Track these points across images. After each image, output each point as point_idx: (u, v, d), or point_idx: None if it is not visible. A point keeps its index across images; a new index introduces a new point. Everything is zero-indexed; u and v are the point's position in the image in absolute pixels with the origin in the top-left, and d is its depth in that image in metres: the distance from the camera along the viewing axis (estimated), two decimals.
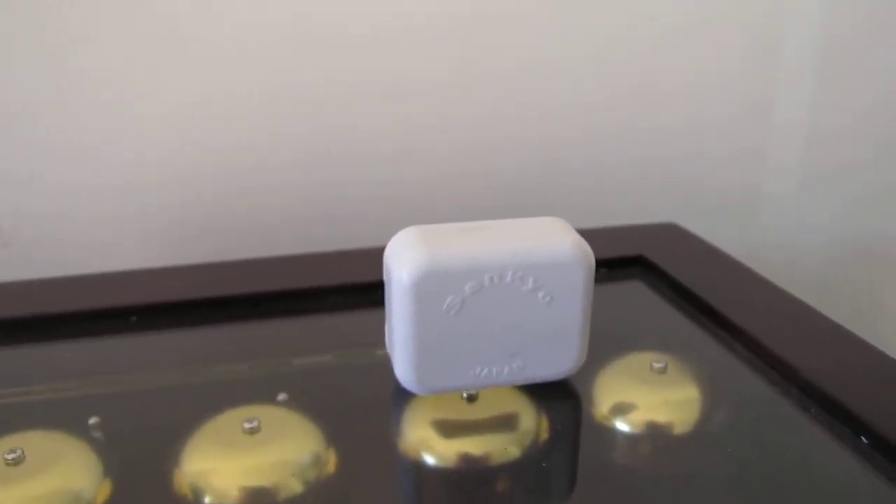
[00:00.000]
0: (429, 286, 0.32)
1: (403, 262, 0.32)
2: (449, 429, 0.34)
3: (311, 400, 0.36)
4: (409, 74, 0.57)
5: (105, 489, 0.31)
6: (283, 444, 0.33)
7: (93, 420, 0.35)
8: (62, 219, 0.55)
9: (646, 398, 0.36)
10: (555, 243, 0.33)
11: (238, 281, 0.46)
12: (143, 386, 0.38)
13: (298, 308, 0.45)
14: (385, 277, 0.34)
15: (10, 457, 0.32)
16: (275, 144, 0.57)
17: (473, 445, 0.33)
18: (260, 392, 0.36)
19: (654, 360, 0.38)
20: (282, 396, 0.36)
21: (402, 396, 0.35)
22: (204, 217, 0.57)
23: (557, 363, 0.35)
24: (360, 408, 0.36)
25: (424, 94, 0.58)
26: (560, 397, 0.36)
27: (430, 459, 0.33)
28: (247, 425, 0.33)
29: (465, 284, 0.32)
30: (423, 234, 0.33)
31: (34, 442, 0.33)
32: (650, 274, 0.49)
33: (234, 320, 0.44)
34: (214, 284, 0.46)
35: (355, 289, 0.45)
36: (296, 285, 0.46)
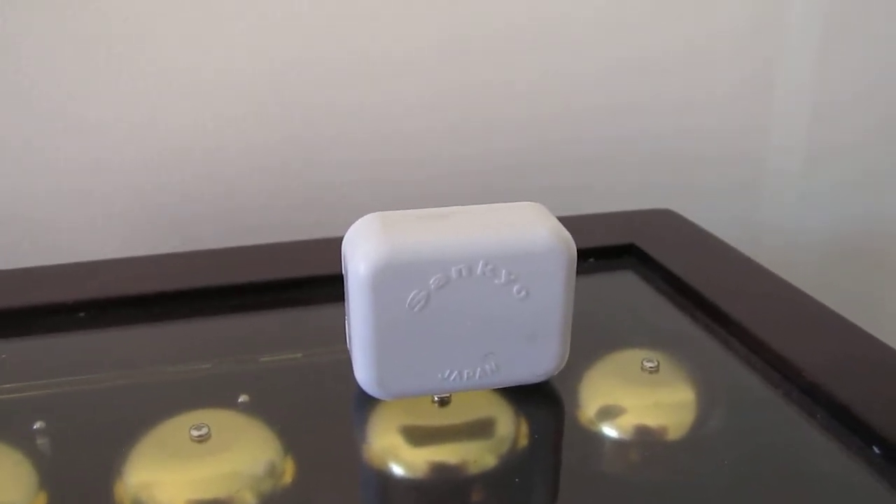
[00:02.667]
0: (389, 280, 0.29)
1: (360, 252, 0.30)
2: (418, 435, 0.32)
3: (274, 402, 0.34)
4: (384, 52, 0.55)
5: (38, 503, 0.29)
6: (235, 454, 0.31)
7: (38, 425, 0.33)
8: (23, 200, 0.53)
9: (635, 401, 0.35)
10: (530, 231, 0.31)
11: (202, 272, 0.44)
12: (95, 387, 0.36)
13: (269, 301, 0.43)
14: (343, 270, 0.32)
15: None
16: (244, 127, 0.55)
17: (445, 454, 0.31)
18: (220, 394, 0.35)
19: (644, 358, 0.36)
20: (242, 398, 0.34)
21: (368, 399, 0.33)
22: (168, 204, 0.55)
23: (536, 365, 0.33)
24: (324, 411, 0.34)
25: (400, 72, 0.56)
26: (541, 400, 0.34)
27: (397, 469, 0.31)
28: (195, 433, 0.31)
29: (430, 278, 0.30)
30: (383, 221, 0.31)
31: None
32: (642, 264, 0.47)
33: (196, 315, 0.42)
34: (175, 276, 0.44)
35: (331, 280, 0.42)
36: (267, 276, 0.44)
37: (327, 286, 0.42)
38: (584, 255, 0.46)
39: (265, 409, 0.33)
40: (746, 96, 0.63)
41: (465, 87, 0.57)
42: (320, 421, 0.34)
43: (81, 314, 0.41)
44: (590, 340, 0.38)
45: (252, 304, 0.43)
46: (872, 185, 0.68)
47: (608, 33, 0.59)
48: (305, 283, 0.44)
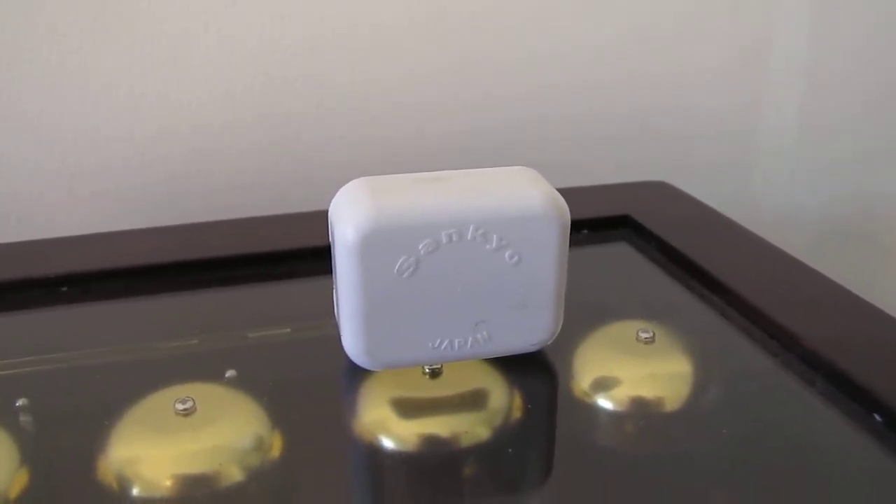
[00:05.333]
0: (376, 245, 0.28)
1: (347, 217, 0.29)
2: (409, 408, 0.32)
3: (263, 376, 0.34)
4: (370, 27, 0.54)
5: (20, 480, 0.29)
6: (220, 427, 0.30)
7: (20, 402, 0.32)
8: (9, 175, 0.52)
9: (631, 372, 0.34)
10: (523, 195, 0.30)
11: (187, 246, 0.43)
12: (79, 364, 0.35)
13: (256, 275, 0.42)
14: (330, 236, 0.31)
15: None
16: (230, 104, 0.54)
17: (436, 426, 0.31)
18: (207, 369, 0.34)
19: (640, 329, 0.36)
20: (230, 373, 0.34)
21: (357, 372, 0.33)
22: (154, 182, 0.54)
23: (528, 333, 0.32)
24: (313, 385, 0.34)
25: (388, 47, 0.55)
26: (535, 371, 0.34)
27: (387, 442, 0.30)
28: (179, 406, 0.30)
29: (419, 243, 0.29)
30: (370, 186, 0.30)
31: None
32: (637, 235, 0.47)
33: (181, 289, 0.41)
34: (159, 250, 0.43)
35: (321, 253, 0.42)
36: (254, 250, 0.43)
37: (317, 259, 0.42)
38: (577, 226, 0.45)
39: (253, 384, 0.33)
40: (739, 72, 0.62)
41: (453, 63, 0.56)
42: (309, 394, 0.33)
43: (64, 289, 0.41)
44: (584, 311, 0.37)
45: (239, 279, 0.42)
46: (866, 163, 0.67)
47: (598, 8, 0.58)
48: (294, 256, 0.43)
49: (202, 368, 0.34)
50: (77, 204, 0.53)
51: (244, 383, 0.33)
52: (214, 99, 0.53)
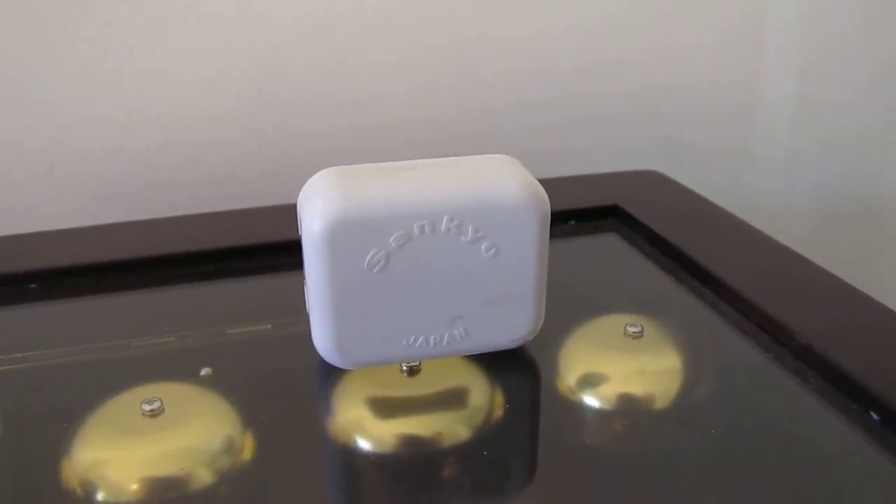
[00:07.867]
0: (345, 238, 0.28)
1: (314, 209, 0.28)
2: (386, 407, 0.31)
3: (239, 375, 0.33)
4: (354, 11, 0.53)
5: None
6: (188, 429, 0.30)
7: None
8: None
9: (618, 368, 0.33)
10: (499, 184, 0.29)
11: (163, 240, 0.43)
12: (48, 363, 0.35)
13: (237, 269, 0.42)
14: (298, 229, 0.30)
15: None
16: (210, 93, 0.53)
17: (415, 426, 0.30)
18: (183, 368, 0.33)
19: (628, 323, 0.35)
20: (205, 371, 0.33)
21: (334, 369, 0.32)
22: (134, 174, 0.54)
23: (508, 329, 0.31)
24: (290, 384, 0.33)
25: (372, 32, 0.54)
26: (517, 368, 0.33)
27: (364, 442, 0.29)
28: (146, 407, 0.30)
29: (390, 235, 0.28)
30: (339, 175, 0.29)
31: None
32: (626, 225, 0.46)
33: (159, 285, 0.41)
34: (133, 245, 0.42)
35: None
36: (233, 243, 0.42)
37: (299, 252, 0.41)
38: (565, 217, 0.45)
39: (228, 382, 0.32)
40: (734, 51, 0.62)
41: (439, 47, 0.56)
42: (285, 394, 0.32)
43: (33, 286, 0.40)
44: (570, 305, 0.36)
45: (218, 273, 0.41)
46: (866, 143, 0.67)
47: None
48: (276, 249, 0.42)
49: (178, 366, 0.34)
50: (55, 190, 0.53)
51: (219, 382, 0.32)
52: (193, 89, 0.53)
